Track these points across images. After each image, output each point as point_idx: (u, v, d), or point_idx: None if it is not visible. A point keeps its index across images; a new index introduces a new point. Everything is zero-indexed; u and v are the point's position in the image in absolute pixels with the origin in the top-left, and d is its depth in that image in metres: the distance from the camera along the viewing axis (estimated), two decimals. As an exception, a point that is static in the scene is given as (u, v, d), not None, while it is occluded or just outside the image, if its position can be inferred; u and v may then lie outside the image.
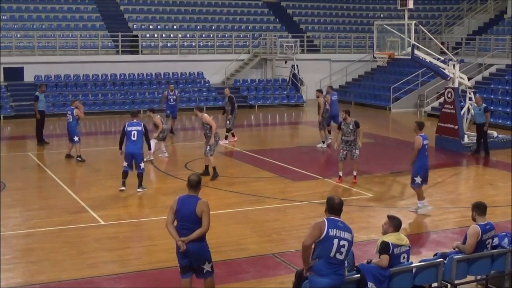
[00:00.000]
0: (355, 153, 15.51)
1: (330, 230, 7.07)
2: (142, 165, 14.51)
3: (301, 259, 7.32)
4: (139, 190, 14.57)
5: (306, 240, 7.13)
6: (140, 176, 14.60)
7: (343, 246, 7.11)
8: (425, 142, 12.81)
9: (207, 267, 8.12)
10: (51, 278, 9.65)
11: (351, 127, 15.37)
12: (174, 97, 23.04)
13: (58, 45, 30.57)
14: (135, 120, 14.70)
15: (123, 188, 14.58)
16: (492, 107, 24.73)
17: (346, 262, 7.52)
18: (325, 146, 20.28)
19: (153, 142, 17.84)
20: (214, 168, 15.78)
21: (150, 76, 31.38)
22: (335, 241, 7.08)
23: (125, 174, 14.61)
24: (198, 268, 8.11)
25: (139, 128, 14.52)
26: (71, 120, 18.34)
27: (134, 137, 14.40)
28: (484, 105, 19.41)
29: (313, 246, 7.18)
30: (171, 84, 25.55)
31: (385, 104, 30.98)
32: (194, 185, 8.08)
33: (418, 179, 12.85)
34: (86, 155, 18.40)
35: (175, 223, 8.04)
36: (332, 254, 7.09)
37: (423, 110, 29.16)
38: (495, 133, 20.70)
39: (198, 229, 7.89)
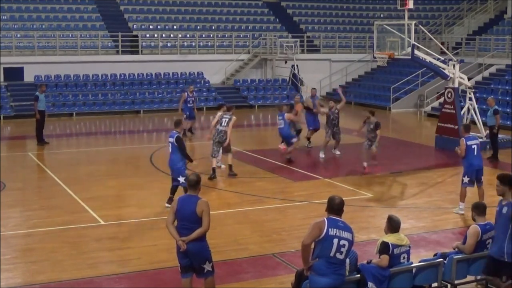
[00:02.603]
0: (371, 146, 17.06)
1: (330, 229, 7.07)
2: (181, 179, 12.95)
3: (301, 259, 7.32)
4: (167, 205, 13.13)
5: (305, 239, 7.13)
6: (172, 188, 13.23)
7: (343, 245, 7.11)
8: (469, 142, 12.86)
9: (207, 266, 8.12)
10: (51, 278, 9.65)
11: (371, 126, 16.97)
12: (193, 98, 22.81)
13: (58, 45, 30.57)
14: (173, 131, 13.37)
15: (167, 205, 13.04)
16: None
17: (347, 262, 7.53)
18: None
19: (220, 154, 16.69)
20: (213, 169, 15.91)
21: (150, 76, 31.37)
22: (335, 240, 7.07)
23: (172, 189, 13.30)
24: (198, 267, 8.11)
25: (171, 140, 13.14)
26: (283, 125, 17.59)
27: (170, 148, 13.28)
28: (495, 107, 19.07)
29: (313, 246, 7.19)
30: (190, 85, 24.97)
31: (385, 104, 30.96)
32: (194, 185, 8.10)
33: (465, 179, 13.02)
34: (86, 155, 18.37)
35: (175, 223, 8.05)
36: (332, 254, 7.09)
37: (423, 110, 29.16)
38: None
39: (198, 228, 7.90)
